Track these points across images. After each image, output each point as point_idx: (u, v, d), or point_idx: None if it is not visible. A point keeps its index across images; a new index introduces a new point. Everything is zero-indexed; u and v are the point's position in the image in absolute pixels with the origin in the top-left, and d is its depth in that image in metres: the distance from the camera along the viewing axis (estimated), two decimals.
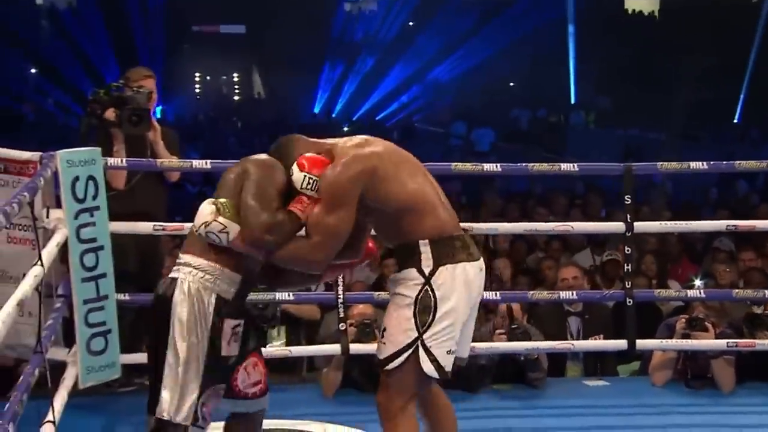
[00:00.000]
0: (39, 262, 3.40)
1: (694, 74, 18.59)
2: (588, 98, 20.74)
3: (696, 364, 4.93)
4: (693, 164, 4.63)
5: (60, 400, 3.82)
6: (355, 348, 4.64)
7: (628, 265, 4.65)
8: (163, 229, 4.53)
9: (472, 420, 4.47)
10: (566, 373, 5.26)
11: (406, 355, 2.97)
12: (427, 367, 2.97)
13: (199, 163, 4.59)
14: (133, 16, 19.28)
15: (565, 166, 4.64)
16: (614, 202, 7.45)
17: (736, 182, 11.16)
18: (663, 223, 5.45)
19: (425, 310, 2.95)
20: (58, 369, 4.08)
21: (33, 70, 19.99)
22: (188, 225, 4.67)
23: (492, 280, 5.55)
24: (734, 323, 5.08)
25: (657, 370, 4.95)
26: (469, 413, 4.59)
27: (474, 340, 4.83)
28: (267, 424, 4.34)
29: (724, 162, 5.01)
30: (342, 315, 4.64)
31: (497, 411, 4.66)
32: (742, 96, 20.97)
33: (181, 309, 2.89)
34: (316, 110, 21.33)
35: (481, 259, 3.09)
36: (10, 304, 2.93)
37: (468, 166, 4.76)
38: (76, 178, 4.06)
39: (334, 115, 21.02)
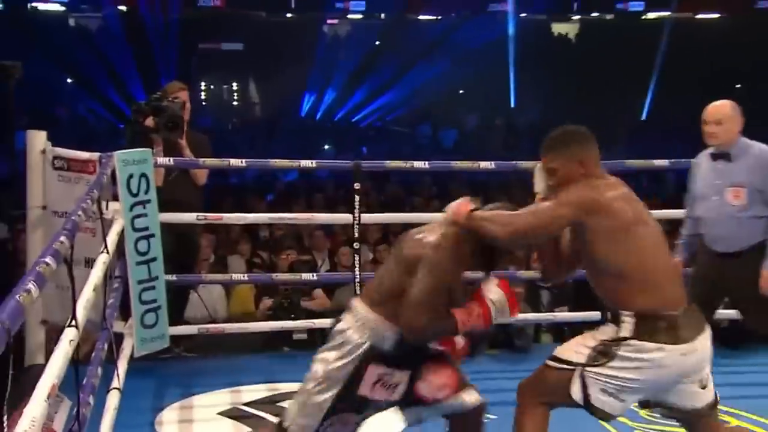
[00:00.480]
0: (105, 250, 3.18)
1: (605, 86, 18.75)
2: (526, 103, 20.71)
3: None
4: (657, 162, 4.45)
5: (122, 367, 3.63)
6: None
7: None
8: (205, 219, 4.29)
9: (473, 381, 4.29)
10: (540, 340, 5.07)
11: (564, 366, 2.56)
12: (575, 393, 2.53)
13: (235, 162, 4.31)
14: (151, 35, 19.11)
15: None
16: None
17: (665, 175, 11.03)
18: None
19: (604, 353, 2.50)
20: (116, 340, 3.86)
21: (68, 80, 19.72)
22: (226, 216, 4.56)
23: None
24: None
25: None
26: (470, 376, 4.42)
27: None
28: (296, 387, 4.18)
29: (684, 159, 4.77)
30: (358, 292, 4.41)
31: (494, 373, 4.47)
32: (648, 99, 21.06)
33: (329, 353, 2.54)
34: (303, 114, 21.05)
35: (697, 340, 2.49)
36: (88, 290, 2.70)
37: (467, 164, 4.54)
38: (131, 176, 3.88)
39: (317, 118, 20.80)
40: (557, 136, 2.66)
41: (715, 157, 3.74)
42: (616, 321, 2.50)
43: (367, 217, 4.58)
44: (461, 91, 21.19)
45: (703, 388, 2.56)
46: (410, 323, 2.46)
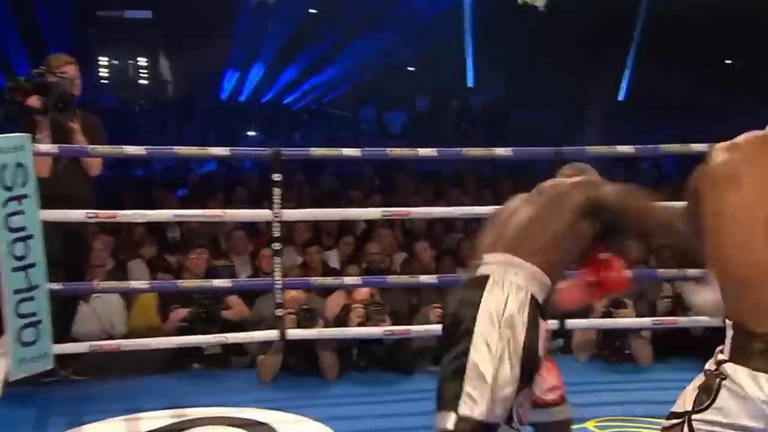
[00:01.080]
0: None
1: (581, 61, 18.95)
2: (485, 83, 20.82)
3: (615, 341, 4.92)
4: (620, 148, 4.55)
5: None
6: (294, 334, 4.45)
7: None
8: (96, 216, 4.24)
9: (408, 403, 4.36)
10: None
11: (675, 421, 2.32)
12: None
13: (133, 150, 4.27)
14: (38, 3, 18.68)
15: (500, 151, 4.47)
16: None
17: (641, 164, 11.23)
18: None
19: (707, 389, 2.23)
20: None
21: None
22: (122, 213, 4.51)
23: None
24: (649, 301, 5.09)
25: (580, 349, 4.90)
26: (405, 395, 4.49)
27: (412, 323, 4.78)
28: (205, 412, 4.21)
29: (651, 146, 4.90)
30: (280, 301, 4.43)
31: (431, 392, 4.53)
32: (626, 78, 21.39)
33: (495, 303, 2.52)
34: (223, 94, 20.88)
35: None
36: None
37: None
38: (4, 166, 3.82)
39: (241, 99, 20.65)
40: None
41: None
42: (724, 337, 2.22)
43: (291, 214, 4.60)
44: (410, 69, 21.27)
45: None
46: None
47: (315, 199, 8.41)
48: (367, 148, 4.64)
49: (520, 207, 2.77)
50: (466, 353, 2.50)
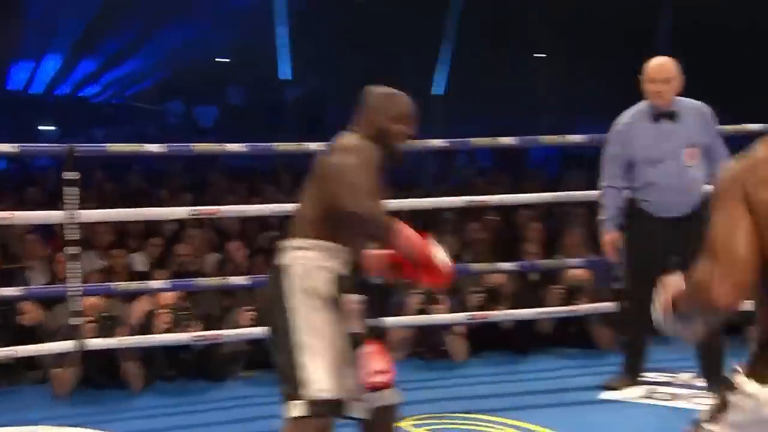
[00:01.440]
0: None
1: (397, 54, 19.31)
2: (299, 75, 20.80)
3: (431, 338, 5.03)
4: (434, 142, 4.65)
5: None
6: (94, 343, 4.29)
7: None
8: None
9: (220, 411, 4.30)
10: None
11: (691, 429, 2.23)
12: None
13: None
14: None
15: (313, 146, 4.46)
16: None
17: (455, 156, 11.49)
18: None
19: (720, 405, 2.13)
20: None
21: None
22: None
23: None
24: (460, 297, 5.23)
25: (396, 348, 4.97)
26: (216, 404, 4.43)
27: (221, 327, 4.69)
28: None
29: (461, 139, 5.02)
30: (77, 309, 4.27)
31: (244, 399, 4.50)
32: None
33: (301, 291, 2.73)
34: (10, 85, 19.81)
35: None
36: None
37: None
38: None
39: (33, 92, 19.70)
40: None
41: (657, 117, 4.11)
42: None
43: (89, 215, 4.44)
44: (223, 60, 20.99)
45: None
46: (355, 208, 2.71)
47: (121, 198, 8.15)
48: (172, 144, 4.52)
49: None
50: (290, 340, 2.69)
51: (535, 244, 5.73)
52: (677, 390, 4.45)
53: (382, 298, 5.22)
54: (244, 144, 4.52)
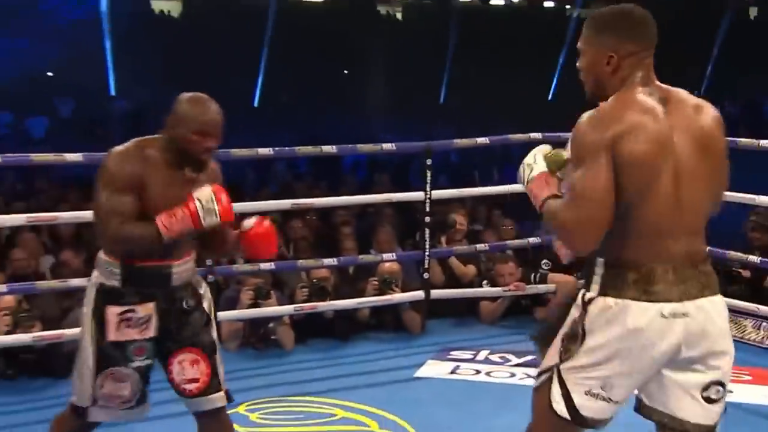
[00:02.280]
0: None
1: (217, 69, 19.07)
2: (127, 90, 20.12)
3: (261, 329, 5.00)
4: (260, 150, 4.64)
5: None
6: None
7: None
8: None
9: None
10: None
11: (543, 378, 2.23)
12: (557, 404, 2.17)
13: None
14: None
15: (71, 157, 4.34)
16: None
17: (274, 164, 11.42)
18: None
19: (573, 336, 2.16)
20: None
21: None
22: None
23: None
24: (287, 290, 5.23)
25: (229, 339, 4.90)
26: (57, 399, 4.21)
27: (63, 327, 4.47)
28: None
29: (288, 148, 5.04)
30: None
31: None
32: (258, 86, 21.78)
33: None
34: None
35: (692, 303, 2.10)
36: None
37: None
38: None
39: None
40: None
41: None
42: (587, 280, 2.19)
43: None
44: (49, 74, 19.99)
45: (709, 402, 2.16)
46: (107, 234, 2.67)
47: None
48: (7, 155, 4.27)
49: None
50: None
51: (351, 241, 5.83)
52: (479, 366, 4.61)
53: (214, 296, 5.13)
54: (81, 154, 4.34)
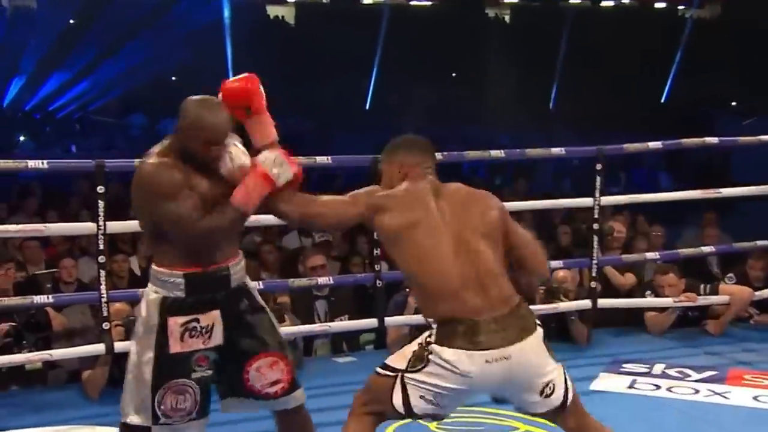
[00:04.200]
0: None
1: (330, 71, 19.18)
2: None
3: None
4: (493, 152, 4.59)
5: None
6: (122, 346, 4.03)
7: (376, 249, 4.44)
8: None
9: None
10: (315, 352, 4.96)
11: (388, 373, 2.67)
12: (396, 399, 2.63)
13: None
14: None
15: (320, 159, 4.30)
16: None
17: None
18: None
19: (419, 358, 2.62)
20: None
21: None
22: None
23: None
24: None
25: (394, 345, 4.81)
26: None
27: None
28: None
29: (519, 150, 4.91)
30: (105, 314, 4.01)
31: None
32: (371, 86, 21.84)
33: (140, 314, 2.74)
34: None
35: (513, 347, 2.56)
36: None
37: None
38: None
39: (4, 106, 18.90)
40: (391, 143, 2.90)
41: None
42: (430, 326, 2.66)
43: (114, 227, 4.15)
44: (173, 78, 20.51)
45: (547, 397, 2.65)
46: (189, 233, 2.57)
47: None
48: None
49: None
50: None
51: None
52: (657, 380, 4.36)
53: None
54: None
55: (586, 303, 4.84)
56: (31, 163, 3.94)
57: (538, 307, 4.78)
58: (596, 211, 4.77)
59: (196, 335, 2.66)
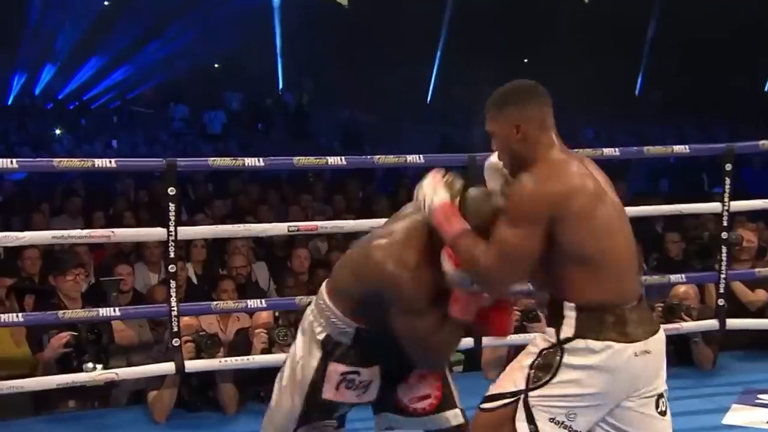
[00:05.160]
0: None
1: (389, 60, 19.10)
2: (294, 81, 20.49)
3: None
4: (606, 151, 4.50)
5: None
6: (192, 366, 4.01)
7: None
8: None
9: None
10: None
11: (503, 402, 2.51)
12: (521, 426, 2.47)
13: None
14: None
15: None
16: None
17: None
18: None
19: (545, 367, 2.48)
20: None
21: None
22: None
23: None
24: None
25: (491, 367, 4.72)
26: None
27: None
28: None
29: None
30: (176, 329, 3.99)
31: None
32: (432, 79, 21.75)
33: (298, 344, 2.73)
34: (14, 91, 19.34)
35: (651, 340, 2.49)
36: None
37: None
38: None
39: (36, 94, 19.21)
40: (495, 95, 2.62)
41: None
42: (557, 321, 2.49)
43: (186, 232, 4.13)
44: (216, 66, 20.67)
45: (662, 414, 2.56)
46: (420, 349, 2.59)
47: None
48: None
49: (375, 230, 2.82)
50: None
51: None
52: None
53: None
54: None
55: (712, 323, 4.69)
56: (98, 162, 3.96)
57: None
58: (725, 218, 4.62)
59: (352, 387, 2.68)
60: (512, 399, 2.49)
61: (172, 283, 4.00)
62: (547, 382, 2.46)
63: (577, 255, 2.44)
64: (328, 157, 4.24)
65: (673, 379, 4.54)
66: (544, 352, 2.48)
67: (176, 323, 4.01)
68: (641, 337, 2.46)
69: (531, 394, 2.47)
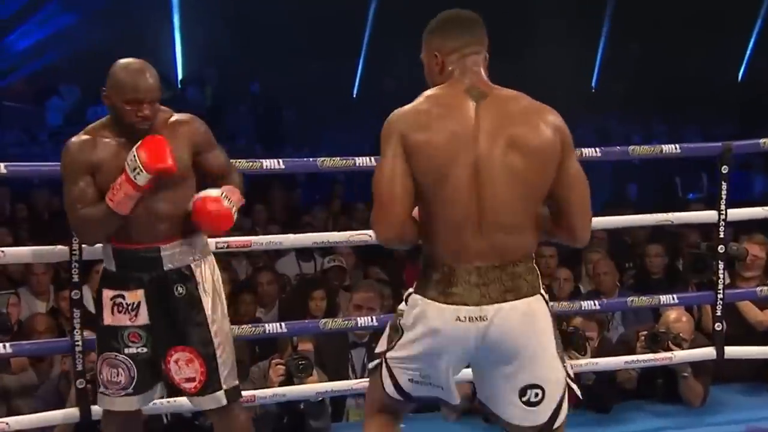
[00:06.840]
0: None
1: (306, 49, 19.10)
2: (196, 74, 20.34)
3: None
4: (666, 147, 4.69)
5: None
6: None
7: None
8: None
9: None
10: (347, 416, 4.85)
11: (375, 363, 2.88)
12: (388, 387, 2.81)
13: None
14: None
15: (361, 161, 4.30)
16: None
17: None
18: None
19: (395, 329, 2.80)
20: None
21: None
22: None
23: None
24: None
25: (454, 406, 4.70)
26: None
27: None
28: None
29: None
30: (80, 368, 3.90)
31: None
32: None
33: None
34: None
35: (494, 308, 2.63)
36: None
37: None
38: None
39: None
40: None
41: None
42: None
43: None
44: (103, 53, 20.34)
45: (529, 405, 2.70)
46: (69, 218, 3.29)
47: None
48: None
49: None
50: None
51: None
52: None
53: None
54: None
55: (709, 352, 4.74)
56: (266, 163, 4.22)
57: (645, 357, 4.70)
58: (722, 229, 4.66)
59: (123, 311, 3.33)
60: (379, 360, 2.84)
61: (76, 312, 3.91)
62: (396, 344, 2.76)
63: (418, 197, 2.67)
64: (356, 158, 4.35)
65: (662, 418, 4.67)
66: (397, 312, 2.81)
67: (80, 360, 3.91)
68: (475, 302, 2.61)
69: (387, 355, 2.79)
